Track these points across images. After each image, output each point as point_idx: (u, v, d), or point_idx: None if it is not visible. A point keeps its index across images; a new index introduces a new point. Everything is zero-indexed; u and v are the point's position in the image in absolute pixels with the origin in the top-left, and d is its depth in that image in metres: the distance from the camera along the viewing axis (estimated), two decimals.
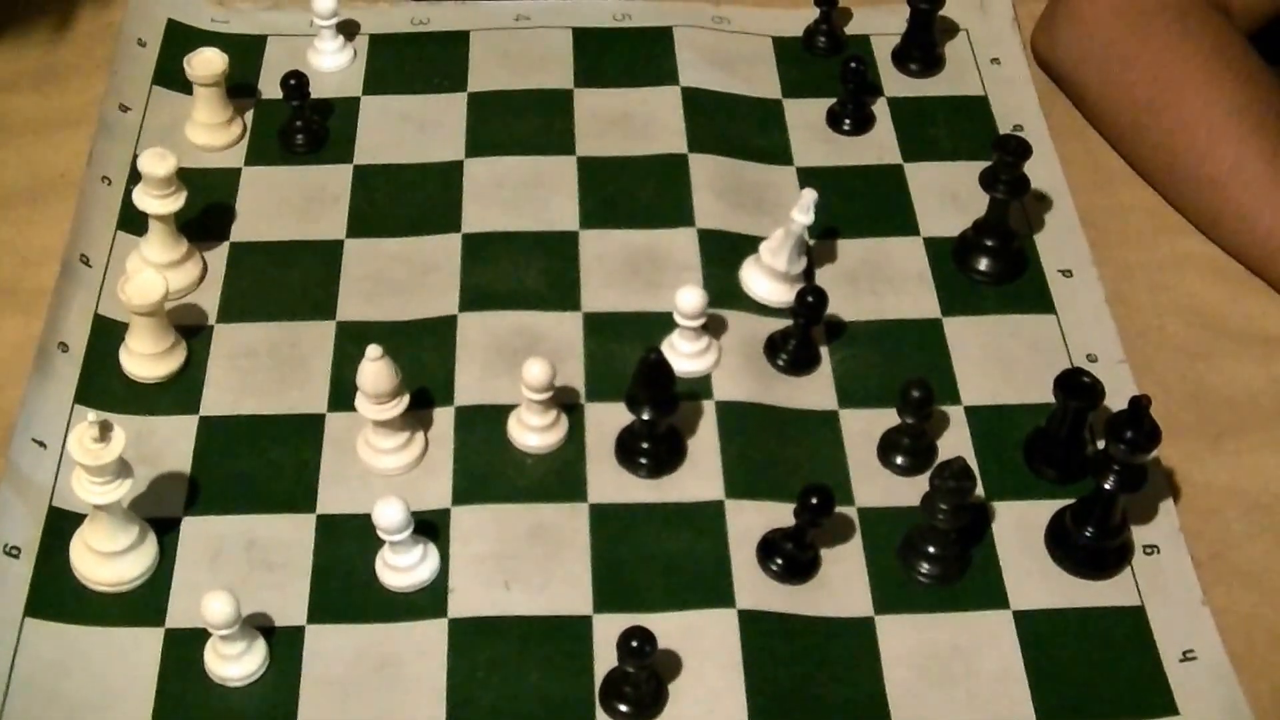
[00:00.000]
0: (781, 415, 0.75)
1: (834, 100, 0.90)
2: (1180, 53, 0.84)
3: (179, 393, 0.76)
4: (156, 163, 0.76)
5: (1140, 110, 0.85)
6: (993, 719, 0.65)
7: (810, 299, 0.75)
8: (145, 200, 0.77)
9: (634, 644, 0.61)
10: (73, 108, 0.89)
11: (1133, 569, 0.70)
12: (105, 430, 0.64)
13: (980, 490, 0.72)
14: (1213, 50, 0.84)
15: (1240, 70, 0.84)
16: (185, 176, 0.79)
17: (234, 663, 0.65)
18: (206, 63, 0.85)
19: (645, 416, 0.71)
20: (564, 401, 0.75)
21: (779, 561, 0.69)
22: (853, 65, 0.88)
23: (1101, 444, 0.68)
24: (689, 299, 0.74)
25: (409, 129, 0.89)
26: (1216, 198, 0.82)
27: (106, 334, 0.78)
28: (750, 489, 0.72)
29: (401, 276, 0.81)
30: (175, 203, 0.78)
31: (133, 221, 0.82)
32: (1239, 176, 0.81)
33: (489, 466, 0.73)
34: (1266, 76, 0.84)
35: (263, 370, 0.77)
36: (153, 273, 0.74)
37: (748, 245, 0.81)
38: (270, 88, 0.90)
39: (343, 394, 0.74)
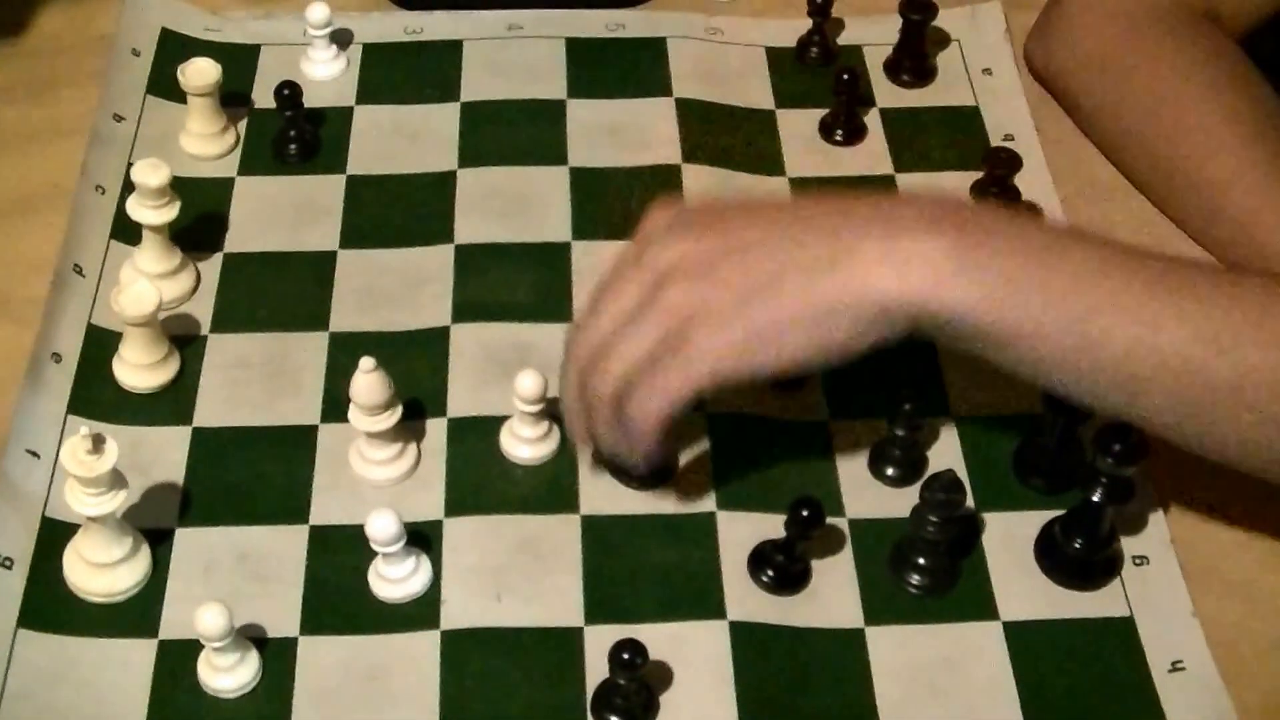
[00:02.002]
0: (773, 427, 0.76)
1: (826, 111, 0.91)
2: (1178, 61, 0.85)
3: (172, 403, 0.76)
4: (150, 173, 0.77)
5: (1136, 118, 0.85)
6: None
7: None
8: (139, 210, 0.78)
9: (625, 656, 0.62)
10: (66, 117, 0.89)
11: (1122, 580, 0.71)
12: (98, 443, 0.64)
13: (970, 501, 0.72)
14: (1209, 59, 0.85)
15: (1237, 78, 0.84)
16: (179, 186, 0.79)
17: (227, 674, 0.65)
18: (200, 72, 0.85)
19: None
20: (556, 413, 0.75)
21: (770, 573, 0.69)
22: (845, 76, 0.88)
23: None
24: None
25: (401, 139, 0.89)
26: (1214, 205, 0.83)
27: (100, 344, 0.78)
28: (741, 500, 0.72)
29: (394, 287, 0.81)
30: (169, 213, 0.78)
31: (126, 231, 0.82)
32: (1238, 184, 0.81)
33: (481, 478, 0.73)
34: (1262, 85, 0.85)
35: (256, 381, 0.77)
36: (147, 283, 0.74)
37: None
38: (263, 97, 0.91)
39: (335, 405, 0.75)
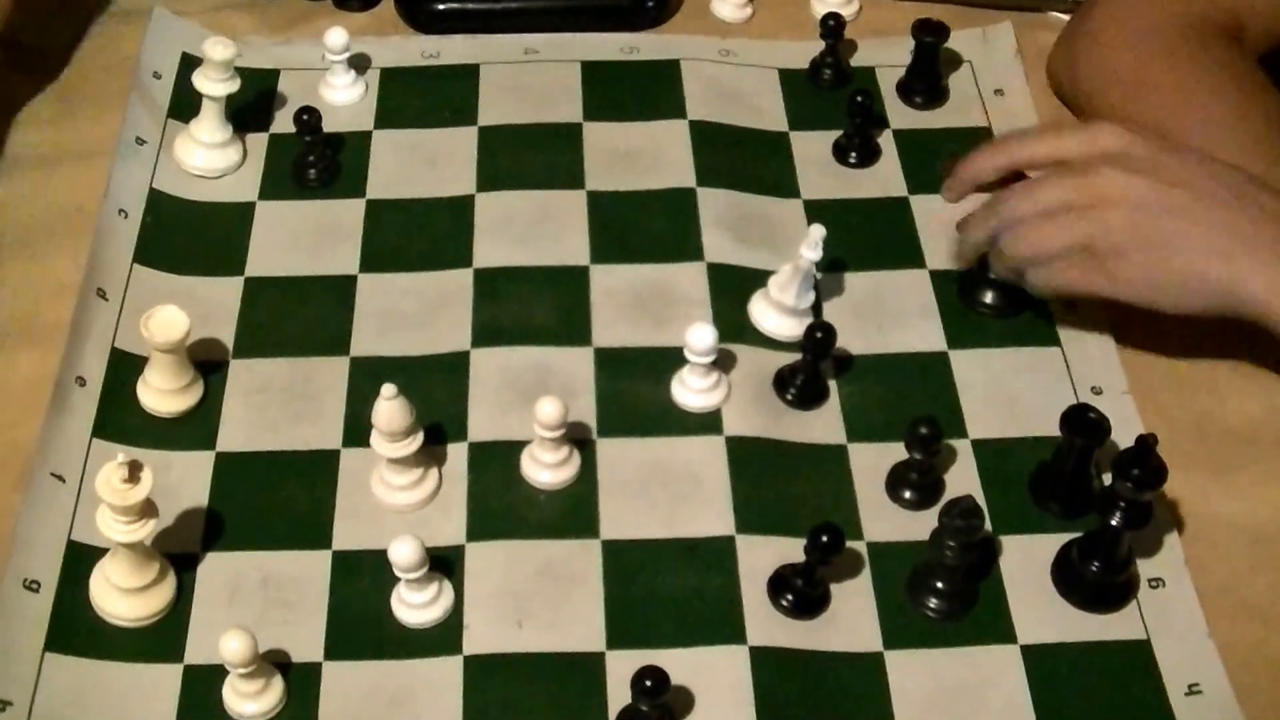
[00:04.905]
0: (791, 450, 0.76)
1: (840, 133, 0.91)
2: (1207, 80, 0.85)
3: (196, 428, 0.76)
4: (219, 49, 0.85)
5: (1167, 133, 0.85)
6: None
7: (819, 334, 0.76)
8: (203, 83, 0.86)
9: (648, 683, 0.62)
10: (89, 140, 0.90)
11: (1138, 603, 0.71)
12: (135, 470, 0.65)
13: (987, 524, 0.72)
14: (1236, 79, 0.85)
15: (1263, 100, 0.85)
16: (199, 210, 0.80)
17: (252, 700, 0.66)
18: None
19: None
20: (576, 437, 0.75)
21: (789, 597, 0.70)
22: (859, 99, 0.88)
23: (1108, 478, 0.69)
24: (700, 336, 0.75)
25: (420, 163, 0.90)
26: None
27: (124, 368, 0.78)
28: (761, 524, 0.73)
29: (414, 312, 0.82)
30: (231, 86, 0.86)
31: (149, 255, 0.83)
32: None
33: (502, 503, 0.74)
34: (1274, 96, 0.85)
35: (278, 406, 0.77)
36: (175, 309, 0.75)
37: (756, 279, 0.82)
38: (282, 121, 0.91)
39: (357, 430, 0.75)
